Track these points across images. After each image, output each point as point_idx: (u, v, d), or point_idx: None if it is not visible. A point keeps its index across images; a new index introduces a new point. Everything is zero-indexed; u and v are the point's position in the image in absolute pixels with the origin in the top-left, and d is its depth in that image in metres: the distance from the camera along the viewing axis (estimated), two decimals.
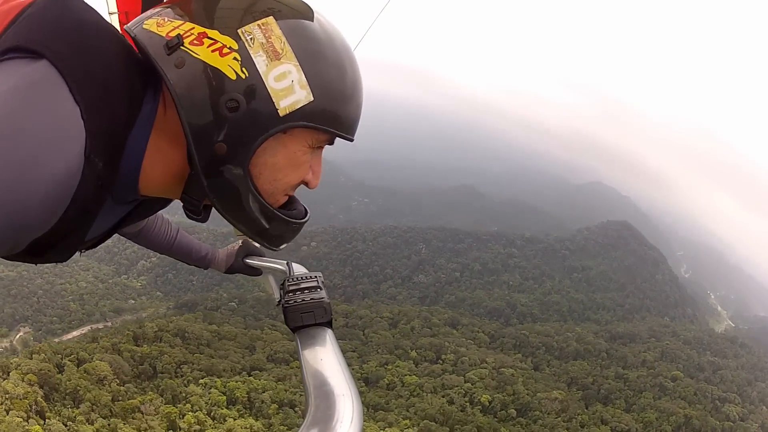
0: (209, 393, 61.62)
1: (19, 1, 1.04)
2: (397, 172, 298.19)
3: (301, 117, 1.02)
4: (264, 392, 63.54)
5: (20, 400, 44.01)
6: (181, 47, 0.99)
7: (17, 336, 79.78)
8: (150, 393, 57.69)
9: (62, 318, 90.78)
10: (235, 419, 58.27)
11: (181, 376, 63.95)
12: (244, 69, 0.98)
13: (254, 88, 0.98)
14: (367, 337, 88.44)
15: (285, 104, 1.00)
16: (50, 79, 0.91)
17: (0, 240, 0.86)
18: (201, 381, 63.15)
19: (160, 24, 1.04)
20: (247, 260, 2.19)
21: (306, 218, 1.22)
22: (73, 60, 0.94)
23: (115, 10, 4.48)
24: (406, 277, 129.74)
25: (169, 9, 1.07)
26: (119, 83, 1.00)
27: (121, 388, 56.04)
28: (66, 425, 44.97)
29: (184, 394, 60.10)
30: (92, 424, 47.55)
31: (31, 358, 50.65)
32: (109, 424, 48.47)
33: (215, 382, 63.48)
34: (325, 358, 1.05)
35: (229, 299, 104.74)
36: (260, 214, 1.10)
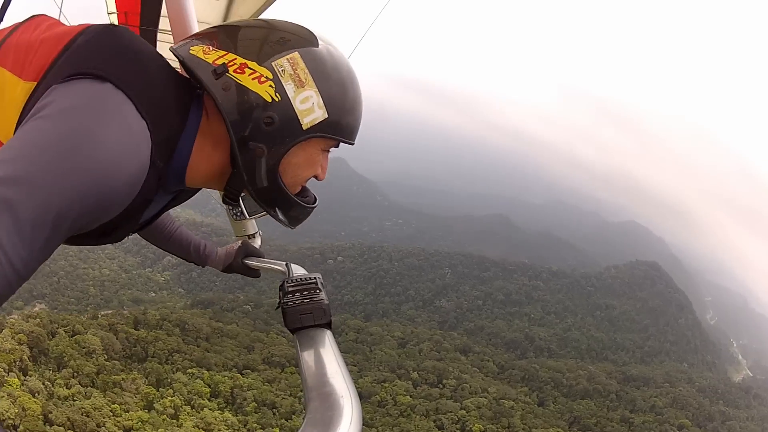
0: (194, 383, 63.05)
1: (67, 29, 1.27)
2: (433, 196, 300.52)
3: (318, 129, 1.32)
4: (248, 390, 64.41)
5: (6, 353, 46.86)
6: (227, 74, 1.26)
7: (32, 310, 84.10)
8: (135, 373, 59.71)
9: (79, 300, 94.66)
10: (212, 411, 59.46)
11: (171, 363, 65.29)
12: (277, 94, 1.27)
13: (285, 109, 1.28)
14: (371, 353, 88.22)
15: (307, 120, 1.30)
16: (119, 98, 1.14)
17: (86, 220, 1.06)
18: (189, 371, 64.57)
19: (206, 52, 1.30)
20: (247, 261, 2.22)
21: (316, 204, 1.51)
22: (133, 83, 1.17)
23: (114, 10, 4.73)
24: (428, 300, 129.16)
25: (210, 39, 1.34)
26: (171, 100, 1.27)
27: (108, 363, 58.24)
28: (44, 384, 47.43)
29: (168, 380, 61.50)
30: (69, 389, 49.84)
31: (27, 321, 53.62)
32: (85, 393, 50.69)
33: (203, 373, 64.82)
34: (325, 360, 1.07)
35: (246, 302, 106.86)
36: (285, 201, 1.41)
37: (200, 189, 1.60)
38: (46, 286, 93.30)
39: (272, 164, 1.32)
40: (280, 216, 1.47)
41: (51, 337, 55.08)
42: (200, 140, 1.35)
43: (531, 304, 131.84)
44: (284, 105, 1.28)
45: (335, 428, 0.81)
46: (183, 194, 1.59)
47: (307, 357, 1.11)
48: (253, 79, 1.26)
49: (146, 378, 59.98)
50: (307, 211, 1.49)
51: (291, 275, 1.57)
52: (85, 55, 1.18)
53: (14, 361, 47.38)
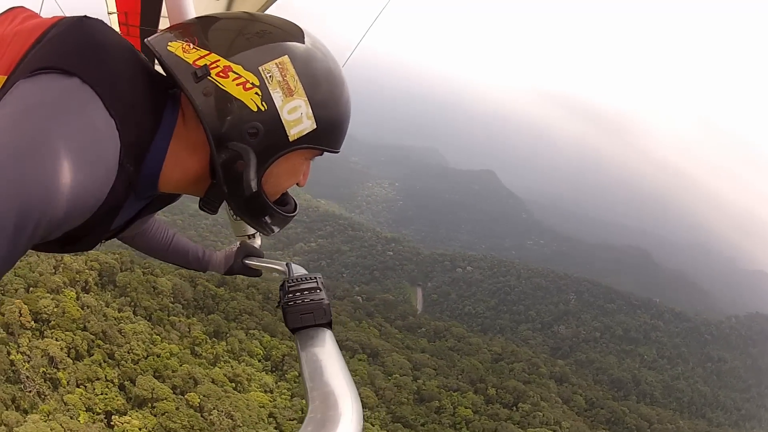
0: (251, 342, 67.27)
1: (40, 21, 1.20)
2: (576, 220, 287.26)
3: (305, 141, 1.23)
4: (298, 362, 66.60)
5: (72, 272, 55.86)
6: (208, 77, 1.16)
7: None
8: (194, 319, 65.81)
9: None
10: (253, 368, 62.93)
11: (238, 322, 70.50)
12: (264, 103, 1.17)
13: (271, 119, 1.18)
14: (459, 361, 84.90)
15: (294, 132, 1.21)
16: (87, 95, 1.05)
17: (45, 229, 0.96)
18: (251, 331, 69.23)
19: (186, 50, 1.19)
20: (247, 261, 2.19)
21: (296, 212, 1.44)
22: (103, 79, 1.09)
23: (115, 10, 4.76)
24: (547, 324, 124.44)
25: (191, 33, 1.23)
26: (143, 99, 1.18)
27: (172, 305, 65.39)
28: (97, 302, 55.34)
29: (226, 334, 66.73)
30: (120, 312, 57.25)
31: (105, 254, 62.78)
32: (133, 319, 57.70)
33: (264, 337, 68.99)
34: (326, 359, 1.07)
35: (360, 293, 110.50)
36: (264, 210, 1.32)
37: (179, 195, 1.50)
38: None
39: (255, 177, 1.24)
40: (255, 224, 1.38)
41: (123, 269, 63.70)
42: (175, 143, 1.25)
43: (647, 344, 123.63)
44: (270, 115, 1.18)
45: (336, 428, 0.80)
46: (160, 200, 1.48)
47: (308, 357, 1.10)
48: (237, 84, 1.16)
49: (204, 327, 65.75)
50: (286, 219, 1.40)
51: (291, 275, 1.56)
52: (54, 49, 1.10)
53: (78, 280, 56.03)
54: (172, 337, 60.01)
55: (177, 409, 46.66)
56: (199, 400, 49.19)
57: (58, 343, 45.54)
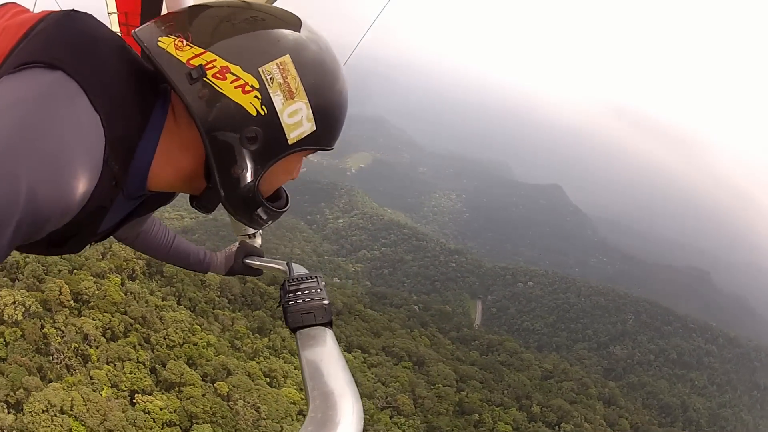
0: (294, 340, 66.53)
1: (29, 16, 1.17)
2: (640, 239, 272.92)
3: (304, 143, 1.20)
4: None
5: (120, 259, 57.92)
6: (204, 78, 1.10)
7: None
8: (239, 314, 66.39)
9: None
10: (295, 367, 62.11)
11: (283, 319, 70.60)
12: (263, 107, 1.12)
13: (271, 123, 1.14)
14: (507, 375, 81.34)
15: (294, 135, 1.17)
16: (71, 89, 1.00)
17: (27, 229, 0.93)
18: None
19: (178, 47, 1.11)
20: (247, 260, 2.19)
21: (287, 207, 1.40)
22: (89, 73, 1.04)
23: (115, 10, 4.77)
24: (603, 344, 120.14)
25: (182, 27, 1.14)
26: (132, 94, 1.12)
27: (217, 298, 66.33)
28: (142, 290, 57.00)
29: (270, 331, 66.77)
30: (163, 301, 58.61)
31: None
32: (175, 308, 58.81)
33: None
34: (326, 359, 1.06)
35: (418, 302, 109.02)
36: (256, 207, 1.29)
37: (174, 196, 1.48)
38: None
39: (252, 180, 1.20)
40: (247, 220, 1.33)
41: None
42: (165, 141, 1.19)
43: (700, 370, 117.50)
44: (270, 119, 1.14)
45: (336, 427, 0.80)
46: (153, 200, 1.43)
47: (309, 356, 1.09)
48: (236, 87, 1.10)
49: (249, 322, 66.12)
50: (277, 215, 1.36)
51: (292, 274, 1.54)
52: (40, 43, 1.06)
53: (125, 268, 57.98)
54: (212, 328, 60.56)
55: (203, 395, 46.68)
56: (227, 390, 49.01)
57: (95, 322, 46.85)
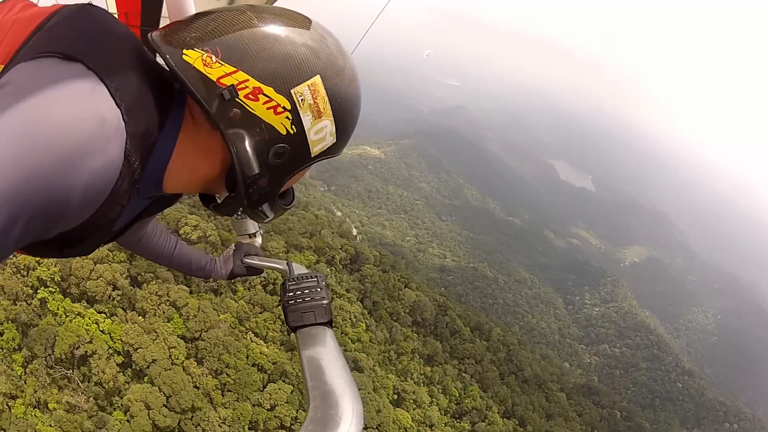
0: (456, 382, 63.94)
1: (39, 9, 1.14)
2: None
3: (324, 154, 1.23)
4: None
5: (326, 247, 64.37)
6: (236, 99, 1.08)
7: None
8: (416, 335, 66.00)
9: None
10: (437, 405, 60.46)
11: (459, 360, 68.59)
12: (293, 126, 1.14)
13: (298, 141, 1.16)
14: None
15: (317, 149, 1.20)
16: (90, 81, 0.97)
17: (41, 223, 0.90)
18: (465, 375, 66.80)
19: (207, 63, 1.08)
20: (246, 260, 2.16)
21: (292, 203, 1.42)
22: (108, 66, 1.01)
23: (115, 10, 4.72)
24: None
25: (211, 43, 1.10)
26: (150, 92, 1.08)
27: (403, 313, 66.73)
28: (330, 277, 61.33)
29: (438, 362, 65.44)
30: (347, 292, 62.39)
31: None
32: (352, 302, 61.76)
33: (472, 386, 65.35)
34: (326, 358, 1.08)
35: (622, 409, 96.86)
36: (267, 208, 1.31)
37: (180, 197, 1.47)
38: None
39: (274, 190, 1.24)
40: (254, 215, 1.34)
41: (376, 265, 68.02)
42: (182, 144, 1.17)
43: None
44: (298, 137, 1.16)
45: (336, 427, 0.80)
46: (158, 202, 1.42)
47: (308, 355, 1.10)
48: (268, 108, 1.11)
49: (421, 347, 65.24)
50: (284, 211, 1.39)
51: (292, 274, 1.55)
52: (56, 35, 1.03)
53: (327, 254, 62.29)
54: (378, 333, 61.52)
55: None
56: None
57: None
